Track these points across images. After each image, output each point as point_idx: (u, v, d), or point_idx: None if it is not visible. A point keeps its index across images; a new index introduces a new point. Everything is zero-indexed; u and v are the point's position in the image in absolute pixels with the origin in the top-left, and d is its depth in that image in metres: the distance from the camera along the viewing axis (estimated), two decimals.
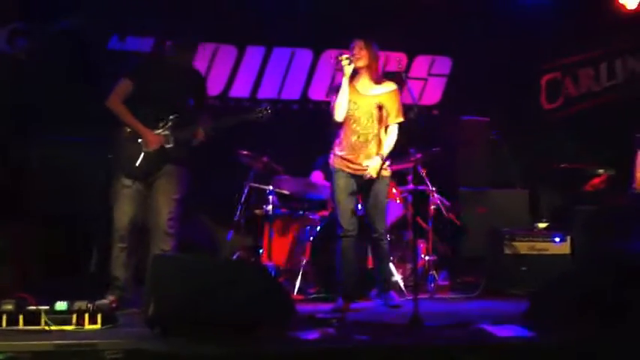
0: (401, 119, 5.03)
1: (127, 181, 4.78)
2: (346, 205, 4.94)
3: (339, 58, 4.82)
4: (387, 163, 5.07)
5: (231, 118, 5.08)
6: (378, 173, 4.93)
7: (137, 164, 4.76)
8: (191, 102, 4.95)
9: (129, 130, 4.79)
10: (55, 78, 6.33)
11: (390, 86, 5.04)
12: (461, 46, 7.53)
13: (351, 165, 4.94)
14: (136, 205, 4.80)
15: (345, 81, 4.84)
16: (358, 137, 4.93)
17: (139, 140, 4.78)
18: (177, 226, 4.89)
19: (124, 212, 4.78)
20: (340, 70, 4.86)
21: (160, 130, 4.82)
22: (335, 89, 4.92)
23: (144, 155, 4.77)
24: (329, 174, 5.16)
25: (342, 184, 4.95)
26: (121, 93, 4.81)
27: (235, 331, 3.71)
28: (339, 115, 4.86)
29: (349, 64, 4.82)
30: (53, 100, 6.18)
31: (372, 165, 4.90)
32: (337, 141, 5.01)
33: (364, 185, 4.98)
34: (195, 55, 5.09)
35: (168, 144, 4.82)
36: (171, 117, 4.83)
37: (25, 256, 5.51)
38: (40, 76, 6.37)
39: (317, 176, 6.39)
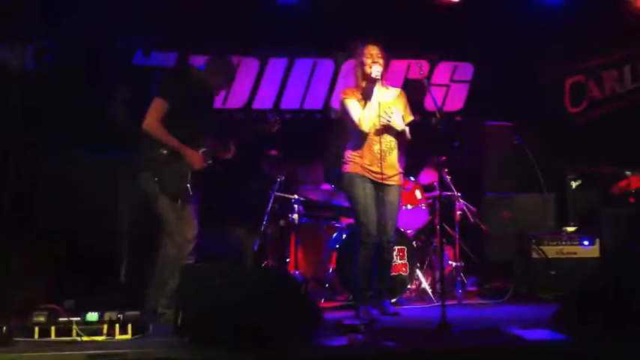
0: (412, 118, 5.02)
1: (177, 203, 4.75)
2: (372, 211, 4.88)
3: (378, 73, 4.77)
4: (401, 172, 5.05)
5: (251, 132, 5.18)
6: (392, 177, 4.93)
7: (187, 185, 4.76)
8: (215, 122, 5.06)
9: (165, 151, 4.73)
10: (73, 92, 6.45)
11: (396, 89, 5.06)
12: (483, 52, 7.51)
13: (372, 173, 4.89)
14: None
15: (376, 93, 4.83)
16: (379, 146, 4.88)
17: (181, 161, 4.75)
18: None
19: (189, 228, 4.80)
20: (370, 79, 4.84)
21: (200, 149, 4.84)
22: (352, 99, 4.89)
23: (191, 174, 4.77)
24: (343, 183, 5.04)
25: (366, 190, 4.87)
26: (159, 113, 4.73)
27: (263, 339, 3.72)
28: (367, 127, 4.83)
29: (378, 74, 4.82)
30: (69, 113, 6.30)
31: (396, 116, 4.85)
32: (356, 149, 4.93)
33: (380, 191, 4.93)
34: (227, 78, 5.16)
35: (209, 161, 4.88)
36: (206, 135, 4.88)
37: (48, 270, 5.59)
38: (58, 90, 6.51)
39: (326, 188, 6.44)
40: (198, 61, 7.13)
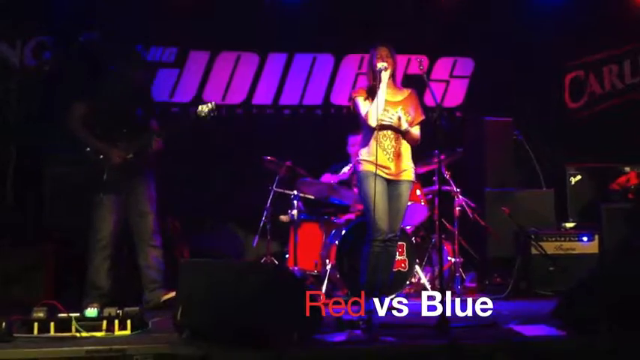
0: (422, 117, 5.04)
1: (100, 196, 5.09)
2: (383, 208, 4.90)
3: (380, 68, 4.86)
4: (412, 166, 5.07)
5: (180, 122, 5.45)
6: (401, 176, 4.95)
7: (104, 179, 5.07)
8: (139, 112, 5.28)
9: (88, 149, 5.11)
10: (72, 87, 6.45)
11: (406, 90, 5.10)
12: (483, 47, 7.51)
13: (383, 170, 4.89)
14: (115, 214, 5.12)
15: (383, 88, 4.87)
16: (390, 142, 4.92)
17: (101, 157, 5.10)
18: (158, 221, 5.32)
19: (105, 221, 5.08)
20: (376, 78, 4.88)
21: (118, 145, 5.12)
22: (361, 97, 4.95)
23: (109, 170, 5.08)
24: (357, 180, 5.10)
25: (379, 188, 4.86)
26: (77, 115, 5.15)
27: (262, 335, 3.71)
28: (374, 121, 4.86)
29: (385, 71, 4.88)
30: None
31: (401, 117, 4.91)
32: (366, 148, 4.98)
33: (390, 187, 4.95)
34: (141, 67, 5.51)
35: (129, 155, 5.11)
36: (124, 130, 5.15)
37: (53, 270, 5.61)
38: (57, 85, 6.52)
39: (327, 178, 6.44)
40: (198, 56, 7.21)
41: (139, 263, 5.22)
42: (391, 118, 4.88)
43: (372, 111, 4.87)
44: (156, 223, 5.26)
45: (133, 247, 5.28)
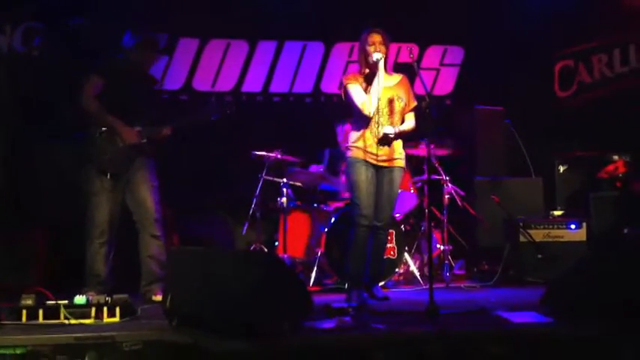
0: (415, 103, 5.01)
1: (103, 177, 4.94)
2: (371, 196, 4.87)
3: (377, 58, 4.78)
4: (403, 153, 5.03)
5: (192, 117, 5.22)
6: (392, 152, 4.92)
7: (111, 158, 4.92)
8: (153, 101, 5.21)
9: (104, 129, 4.94)
10: (61, 73, 6.41)
11: (399, 75, 5.05)
12: (473, 35, 7.51)
13: (373, 156, 4.87)
14: (114, 200, 5.00)
15: (380, 78, 4.81)
16: (382, 127, 4.85)
17: (115, 137, 4.94)
18: (160, 210, 5.13)
19: (104, 207, 4.95)
20: (374, 66, 4.83)
21: (135, 127, 5.00)
22: (356, 84, 4.88)
23: (120, 149, 4.94)
24: (346, 167, 5.04)
25: (367, 175, 4.86)
26: (93, 89, 4.94)
27: (251, 323, 3.71)
28: (371, 110, 4.82)
29: (381, 60, 4.81)
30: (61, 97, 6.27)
31: (390, 130, 4.85)
32: (357, 133, 4.93)
33: (380, 173, 4.92)
34: (156, 54, 5.27)
35: (143, 139, 5.01)
36: (143, 115, 5.03)
37: (44, 257, 5.59)
38: (49, 73, 6.47)
39: (314, 169, 6.44)
40: (188, 43, 7.19)
41: (140, 253, 5.06)
42: (392, 131, 4.83)
43: (368, 101, 4.80)
44: (158, 212, 5.08)
45: (134, 235, 5.15)
